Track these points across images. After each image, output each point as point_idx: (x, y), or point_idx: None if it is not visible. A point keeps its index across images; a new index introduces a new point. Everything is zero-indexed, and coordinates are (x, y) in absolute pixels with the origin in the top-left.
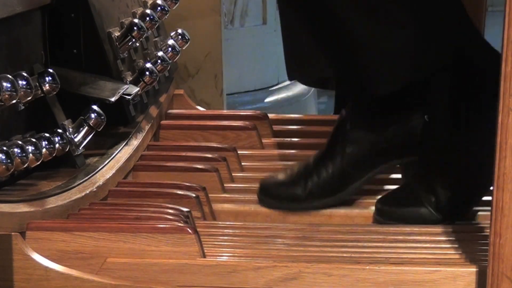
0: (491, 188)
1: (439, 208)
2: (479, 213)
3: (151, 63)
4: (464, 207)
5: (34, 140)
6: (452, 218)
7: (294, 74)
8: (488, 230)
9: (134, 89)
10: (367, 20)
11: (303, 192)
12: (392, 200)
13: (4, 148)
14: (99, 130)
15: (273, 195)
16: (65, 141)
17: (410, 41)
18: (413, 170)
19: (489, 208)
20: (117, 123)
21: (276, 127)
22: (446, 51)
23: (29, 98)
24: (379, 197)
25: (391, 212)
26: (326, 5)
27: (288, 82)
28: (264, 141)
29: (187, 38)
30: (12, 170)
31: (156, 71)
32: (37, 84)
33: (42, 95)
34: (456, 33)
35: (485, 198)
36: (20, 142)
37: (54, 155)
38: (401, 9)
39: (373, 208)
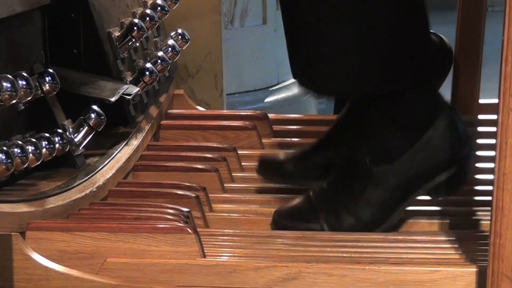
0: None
1: (335, 228)
2: (479, 213)
3: (151, 63)
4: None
5: (34, 140)
6: None
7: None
8: (488, 230)
9: (134, 89)
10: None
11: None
12: (290, 213)
13: (4, 148)
14: (99, 130)
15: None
16: (65, 141)
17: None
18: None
19: (489, 208)
20: (117, 123)
21: (276, 127)
22: (410, 74)
23: (29, 98)
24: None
25: (286, 227)
26: (310, 13)
27: (288, 82)
28: (264, 141)
29: (187, 38)
30: (12, 170)
31: (156, 71)
32: (37, 84)
33: (42, 95)
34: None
35: (485, 198)
36: (20, 142)
37: (54, 155)
38: (378, 26)
39: None
